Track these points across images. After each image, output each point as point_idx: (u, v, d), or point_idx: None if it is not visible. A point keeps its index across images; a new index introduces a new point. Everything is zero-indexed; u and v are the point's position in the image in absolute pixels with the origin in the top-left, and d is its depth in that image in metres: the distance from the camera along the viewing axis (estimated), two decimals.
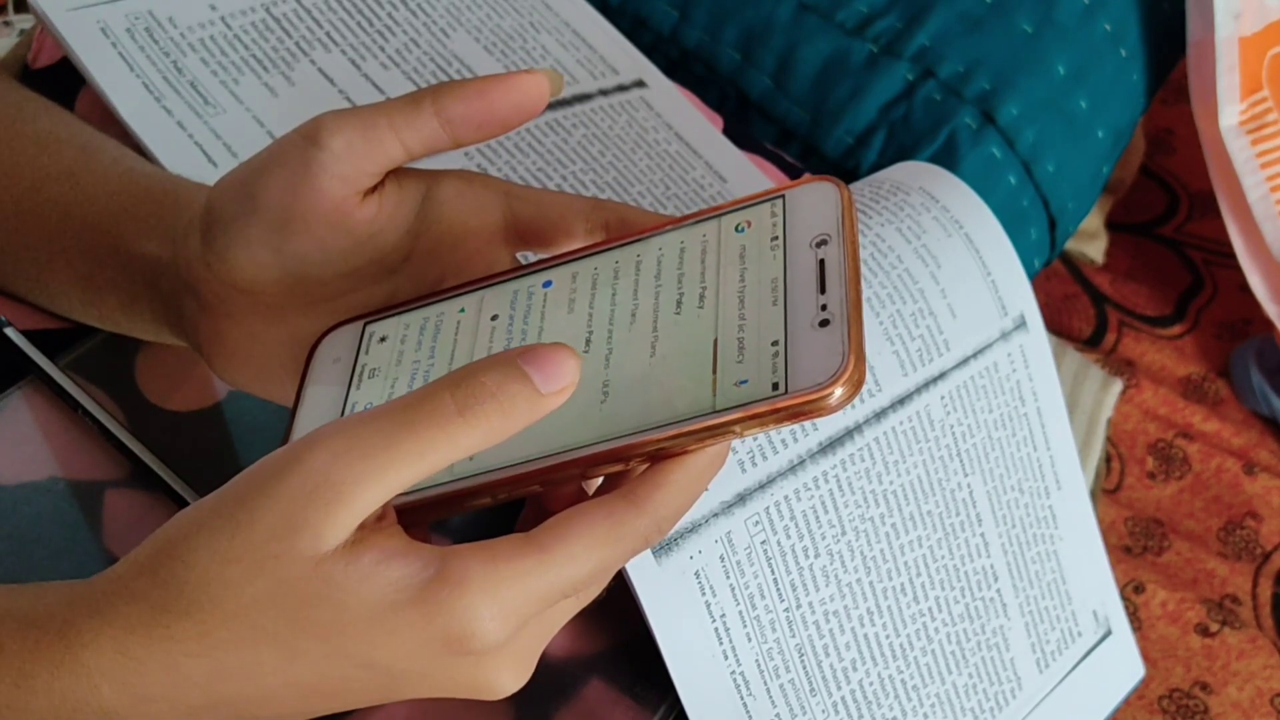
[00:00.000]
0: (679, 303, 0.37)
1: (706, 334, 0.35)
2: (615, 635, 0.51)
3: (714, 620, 0.48)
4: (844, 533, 0.51)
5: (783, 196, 0.38)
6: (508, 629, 0.33)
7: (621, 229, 0.40)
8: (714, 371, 0.34)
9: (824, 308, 0.34)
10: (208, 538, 0.32)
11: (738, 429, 0.33)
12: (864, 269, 0.53)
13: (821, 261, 0.35)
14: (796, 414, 0.33)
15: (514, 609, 0.33)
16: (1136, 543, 0.82)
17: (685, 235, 0.38)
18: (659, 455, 0.34)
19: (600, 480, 0.36)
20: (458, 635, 0.32)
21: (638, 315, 0.37)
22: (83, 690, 0.32)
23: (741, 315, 0.35)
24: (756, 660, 0.48)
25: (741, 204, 0.38)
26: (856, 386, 0.33)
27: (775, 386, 0.33)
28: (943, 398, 0.54)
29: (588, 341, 0.37)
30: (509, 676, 0.35)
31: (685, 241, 0.38)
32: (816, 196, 0.37)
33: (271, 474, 0.32)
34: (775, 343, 0.34)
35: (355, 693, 0.34)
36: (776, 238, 0.37)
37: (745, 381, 0.34)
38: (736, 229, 0.38)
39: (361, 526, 0.33)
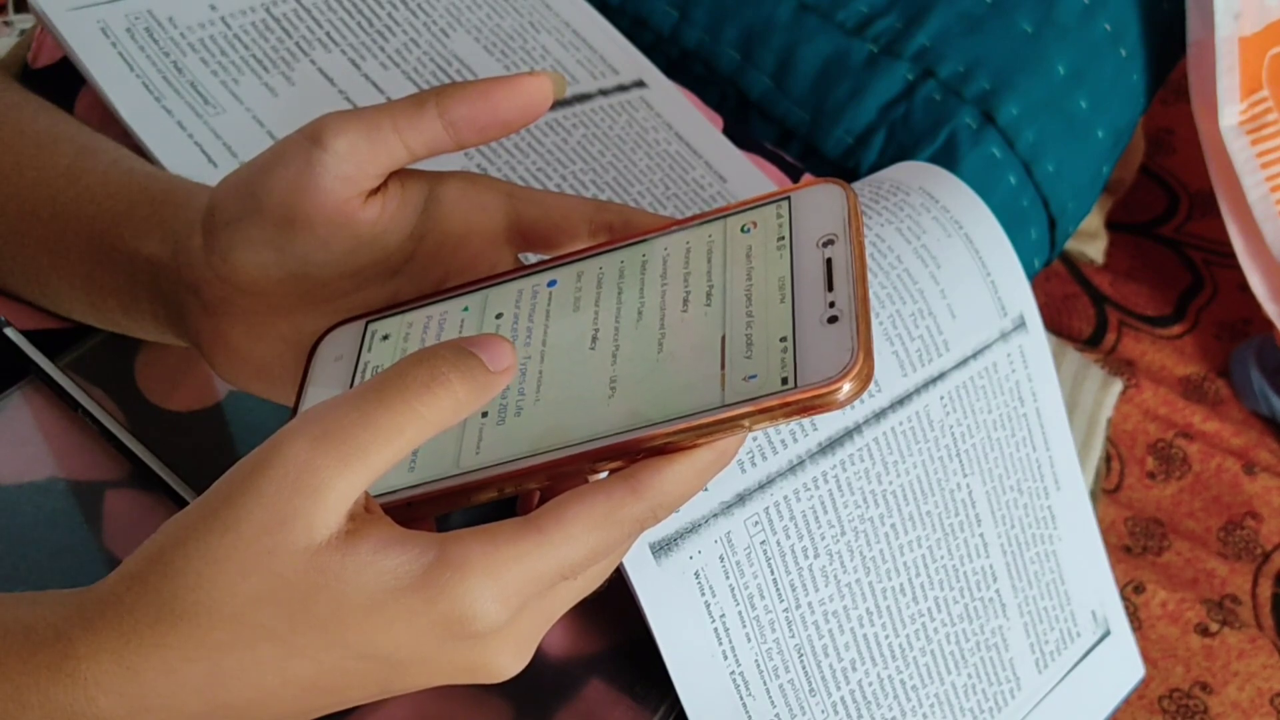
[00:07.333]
0: (685, 300, 0.37)
1: (714, 331, 0.36)
2: (615, 635, 0.51)
3: (713, 620, 0.48)
4: (843, 533, 0.51)
5: (788, 198, 0.38)
6: (509, 610, 0.33)
7: (625, 231, 0.40)
8: (722, 367, 0.35)
9: (832, 304, 0.35)
10: (197, 541, 0.32)
11: (746, 423, 0.34)
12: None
13: (829, 260, 0.36)
14: (806, 408, 0.33)
15: (514, 590, 0.33)
16: (1136, 543, 0.82)
17: (690, 236, 0.39)
18: (666, 450, 0.34)
19: (605, 475, 0.36)
20: (459, 618, 0.33)
21: (644, 313, 0.37)
22: (79, 702, 0.32)
23: (749, 312, 0.36)
24: (756, 660, 0.48)
25: (746, 205, 0.39)
26: (865, 381, 0.33)
27: (785, 381, 0.34)
28: (942, 398, 0.54)
29: (594, 339, 0.37)
30: (509, 659, 0.35)
31: (691, 242, 0.38)
32: (822, 198, 0.37)
33: (253, 469, 0.32)
34: (784, 339, 0.34)
35: (355, 687, 0.34)
36: (783, 238, 0.37)
37: (754, 376, 0.34)
38: (742, 229, 0.38)
39: (352, 517, 0.33)
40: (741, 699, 0.48)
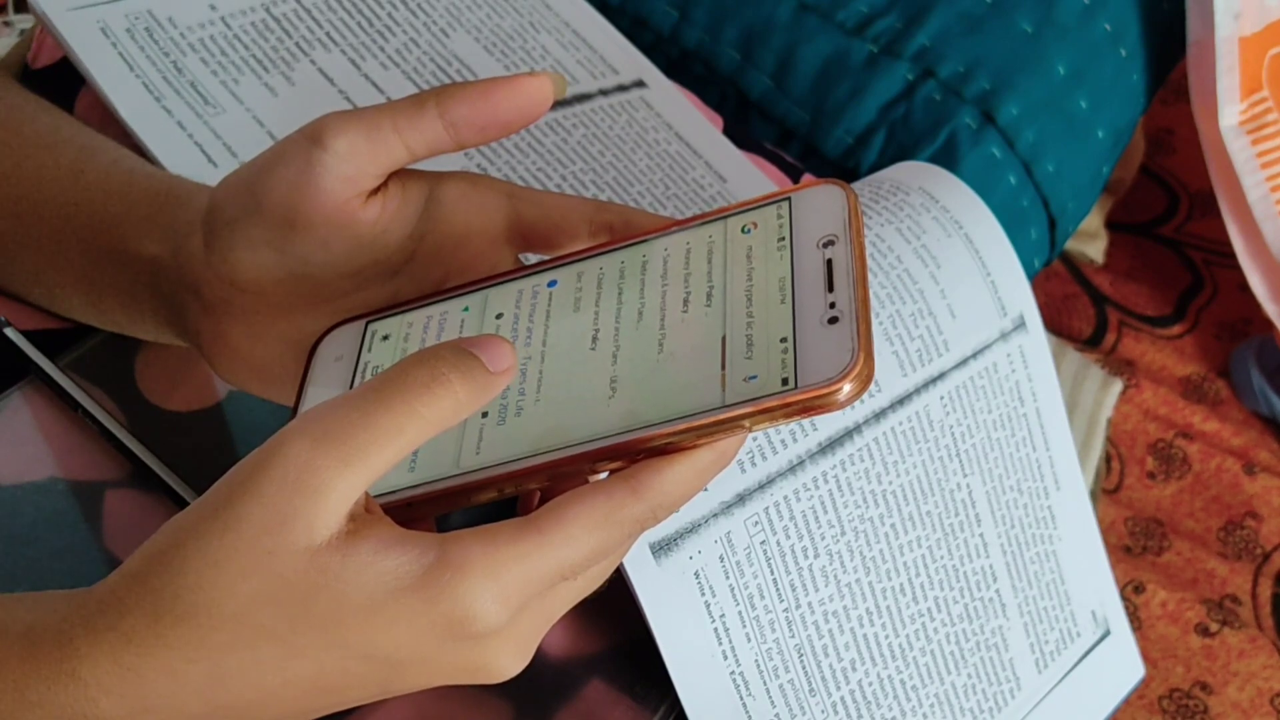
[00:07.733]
0: (686, 301, 0.37)
1: (714, 331, 0.36)
2: (615, 635, 0.51)
3: (713, 620, 0.48)
4: (843, 533, 0.51)
5: (789, 199, 0.38)
6: (509, 611, 0.33)
7: (625, 231, 0.41)
8: (723, 367, 0.35)
9: (832, 305, 0.35)
10: (197, 542, 0.32)
11: (747, 424, 0.34)
12: None
13: (829, 261, 0.36)
14: (806, 409, 0.33)
15: (514, 591, 0.33)
16: (1136, 543, 0.82)
17: (691, 236, 0.39)
18: (666, 450, 0.34)
19: (606, 476, 0.36)
20: (460, 618, 0.33)
21: (644, 314, 0.37)
22: (80, 703, 0.32)
23: (750, 313, 0.36)
24: (756, 660, 0.48)
25: (747, 206, 0.39)
26: (865, 382, 0.33)
27: (785, 381, 0.34)
28: (942, 398, 0.54)
29: (594, 339, 0.37)
30: (510, 659, 0.35)
31: (691, 242, 0.38)
32: (822, 199, 0.37)
33: (254, 470, 0.32)
34: (784, 339, 0.34)
35: (355, 688, 0.34)
36: (783, 238, 0.37)
37: (754, 377, 0.34)
38: (743, 230, 0.38)
39: (352, 518, 0.33)
40: (741, 699, 0.48)
